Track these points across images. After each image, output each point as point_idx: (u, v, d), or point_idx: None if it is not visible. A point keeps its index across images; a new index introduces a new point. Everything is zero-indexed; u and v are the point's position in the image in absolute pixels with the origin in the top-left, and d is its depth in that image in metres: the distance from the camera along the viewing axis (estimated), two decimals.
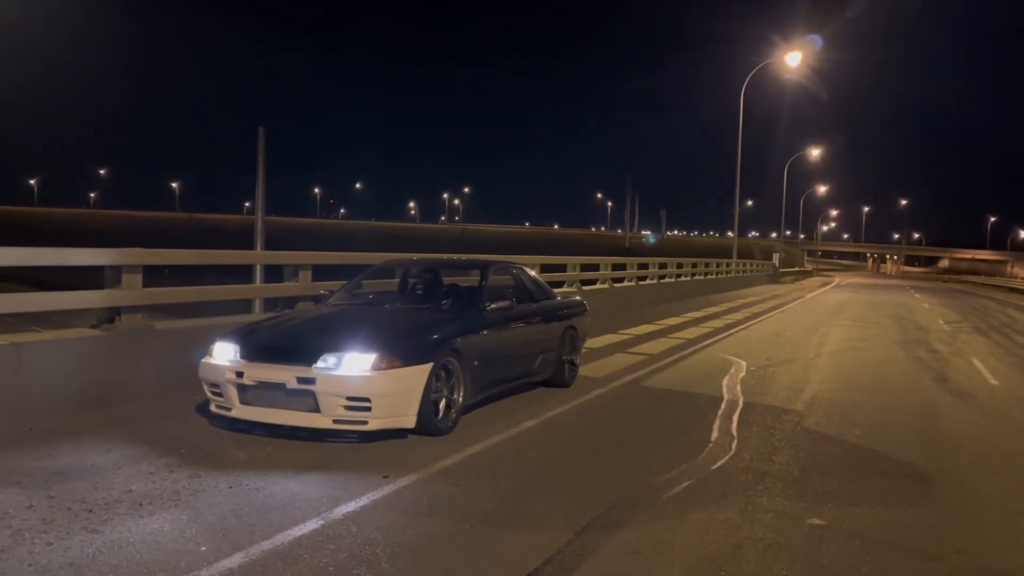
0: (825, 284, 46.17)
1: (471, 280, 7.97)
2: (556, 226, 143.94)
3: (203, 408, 6.17)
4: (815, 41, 32.98)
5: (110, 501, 4.28)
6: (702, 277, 28.10)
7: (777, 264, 47.94)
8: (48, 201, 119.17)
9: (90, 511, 4.12)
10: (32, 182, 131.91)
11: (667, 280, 23.62)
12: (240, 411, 5.69)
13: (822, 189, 79.25)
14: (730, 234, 42.71)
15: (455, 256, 11.59)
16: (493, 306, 6.95)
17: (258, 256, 10.17)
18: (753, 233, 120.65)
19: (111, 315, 6.61)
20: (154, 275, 7.00)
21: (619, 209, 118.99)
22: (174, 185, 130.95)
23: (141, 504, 4.24)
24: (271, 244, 14.07)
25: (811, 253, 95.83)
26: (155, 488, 4.51)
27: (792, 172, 60.04)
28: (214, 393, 5.85)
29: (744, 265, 38.46)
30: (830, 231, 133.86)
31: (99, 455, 5.09)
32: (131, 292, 6.64)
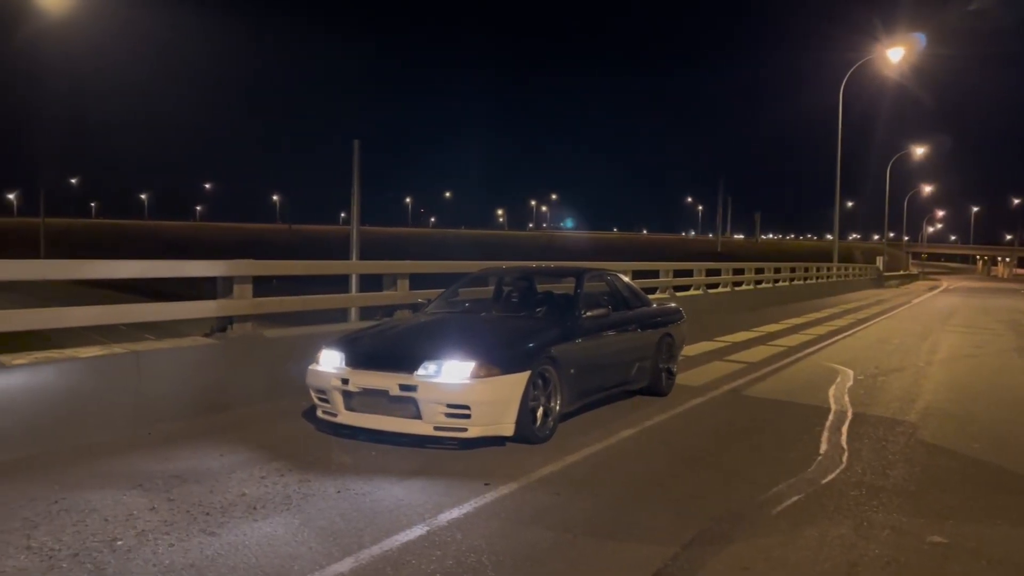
0: (932, 288, 44.07)
1: (564, 287, 7.96)
2: (644, 231, 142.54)
3: (310, 413, 6.36)
4: (919, 40, 31.55)
5: (225, 504, 4.44)
6: (801, 282, 27.26)
7: (881, 268, 46.12)
8: (157, 214, 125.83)
9: (207, 514, 4.29)
10: (143, 196, 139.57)
11: (764, 286, 23.02)
12: (345, 417, 5.84)
13: (927, 189, 75.83)
14: (829, 237, 41.35)
15: (549, 263, 11.59)
16: (589, 314, 6.91)
17: (358, 266, 10.44)
18: (854, 235, 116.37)
19: (223, 324, 6.89)
20: (261, 285, 7.26)
21: (709, 213, 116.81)
22: (275, 198, 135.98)
23: (255, 508, 4.40)
24: (365, 253, 14.42)
25: (916, 256, 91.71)
26: (267, 492, 4.67)
27: (895, 171, 57.71)
28: (320, 399, 6.02)
29: (846, 269, 37.14)
30: (936, 232, 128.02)
31: (214, 459, 5.31)
32: (242, 302, 6.91)
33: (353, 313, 9.34)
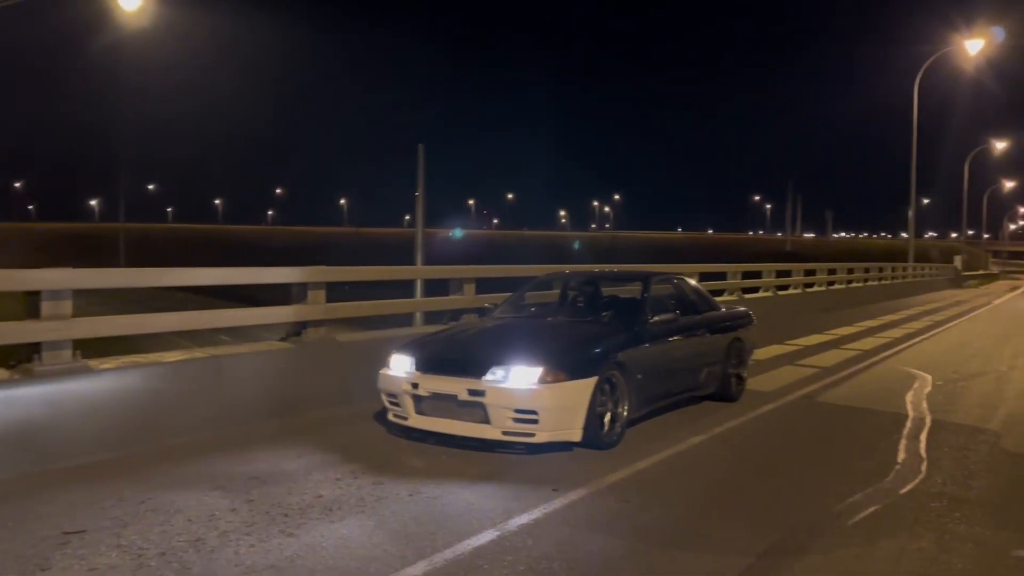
0: (1014, 288, 42.19)
1: (630, 291, 7.93)
2: (710, 231, 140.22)
3: (381, 416, 6.48)
4: (997, 33, 30.29)
5: (303, 506, 4.57)
6: (875, 283, 26.49)
7: (959, 267, 44.43)
8: (230, 219, 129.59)
9: (286, 515, 4.42)
10: (217, 202, 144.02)
11: (837, 287, 22.44)
12: (416, 421, 5.94)
13: (1009, 184, 72.72)
14: (904, 235, 40.05)
15: (615, 267, 11.56)
16: (656, 319, 6.86)
17: (425, 271, 10.60)
18: (930, 234, 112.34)
19: (298, 329, 7.08)
20: (333, 289, 7.42)
21: (778, 211, 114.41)
22: (342, 201, 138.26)
23: (331, 510, 4.51)
24: (429, 256, 14.62)
25: (996, 254, 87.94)
26: (342, 494, 4.78)
27: (974, 167, 55.49)
28: (391, 403, 6.14)
29: (922, 269, 35.94)
30: (1019, 230, 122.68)
31: (291, 461, 5.46)
32: (317, 307, 7.10)
33: (418, 317, 9.50)
